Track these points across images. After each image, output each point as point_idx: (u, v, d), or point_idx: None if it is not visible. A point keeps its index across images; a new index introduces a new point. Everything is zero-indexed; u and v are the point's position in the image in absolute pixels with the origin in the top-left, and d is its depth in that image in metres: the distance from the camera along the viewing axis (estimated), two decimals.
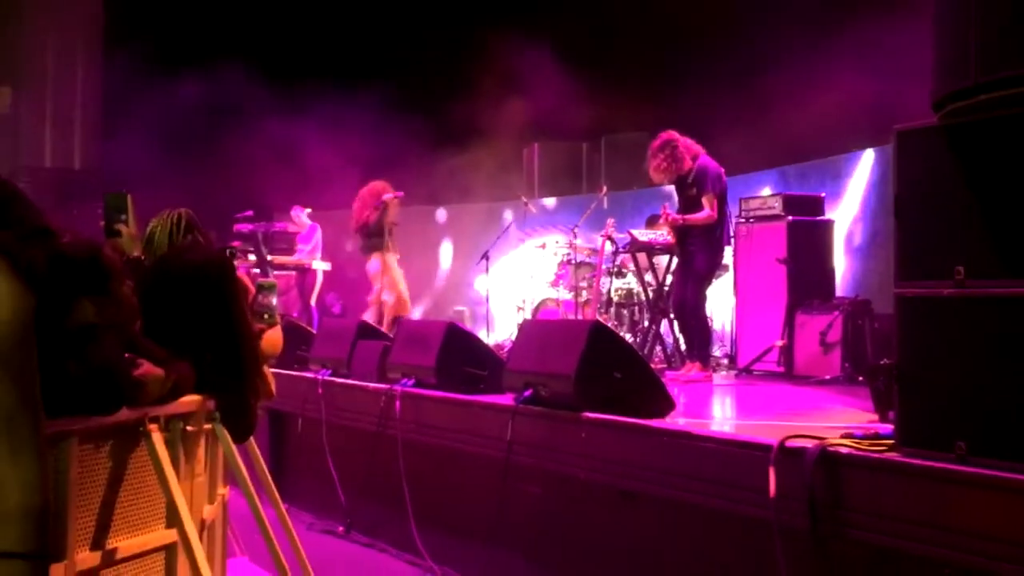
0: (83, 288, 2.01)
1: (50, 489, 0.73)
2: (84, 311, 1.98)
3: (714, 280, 7.75)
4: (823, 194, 8.46)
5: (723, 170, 7.33)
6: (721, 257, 7.51)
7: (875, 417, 4.18)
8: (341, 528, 6.11)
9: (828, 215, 8.35)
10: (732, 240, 7.85)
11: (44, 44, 14.01)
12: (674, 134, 7.34)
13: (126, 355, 2.30)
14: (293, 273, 11.75)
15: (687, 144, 7.32)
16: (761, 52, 10.27)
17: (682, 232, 7.34)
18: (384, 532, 5.85)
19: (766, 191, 9.93)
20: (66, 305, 1.92)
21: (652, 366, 5.47)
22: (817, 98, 9.06)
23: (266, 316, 3.50)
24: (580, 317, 9.11)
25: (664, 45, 11.35)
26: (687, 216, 7.25)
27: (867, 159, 9.62)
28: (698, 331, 7.29)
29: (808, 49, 9.45)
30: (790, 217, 7.78)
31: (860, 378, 6.51)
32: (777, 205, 7.92)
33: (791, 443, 3.33)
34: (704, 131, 7.70)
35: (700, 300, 7.27)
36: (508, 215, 12.72)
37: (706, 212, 7.15)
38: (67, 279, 1.87)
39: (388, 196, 9.49)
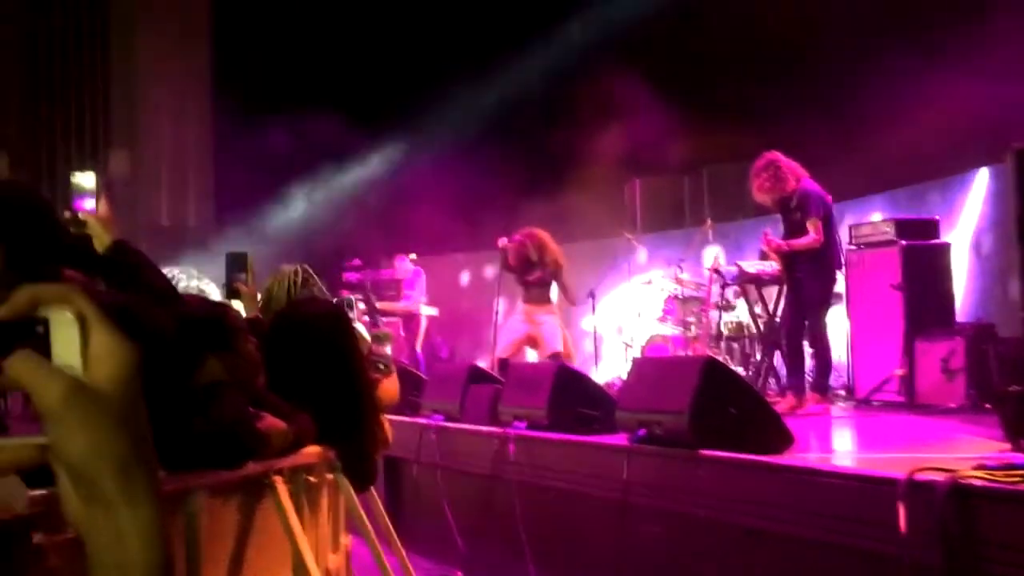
0: (209, 346, 2.07)
1: (168, 542, 0.75)
2: (210, 368, 2.04)
3: (831, 307, 7.44)
4: (937, 217, 8.22)
5: (827, 194, 7.14)
6: (833, 282, 7.23)
7: (1007, 446, 4.02)
8: (459, 573, 6.12)
9: (943, 238, 8.10)
10: (844, 266, 7.56)
11: (158, 106, 14.60)
12: (777, 154, 7.20)
13: (251, 409, 2.35)
14: (398, 320, 11.91)
15: (790, 166, 7.15)
16: (863, 73, 10.10)
17: (789, 259, 7.17)
18: (503, 574, 5.83)
19: (876, 216, 9.70)
20: (193, 363, 1.99)
21: (767, 400, 5.36)
22: (924, 117, 8.82)
23: (382, 366, 3.55)
24: (690, 353, 9.00)
25: (763, 71, 11.23)
26: (791, 241, 7.09)
27: (981, 179, 9.32)
28: (818, 360, 7.10)
29: (912, 66, 9.24)
30: (903, 242, 7.57)
31: (987, 406, 6.27)
32: (890, 230, 7.72)
33: (920, 476, 3.23)
34: (808, 156, 7.55)
35: (819, 328, 7.06)
36: (612, 252, 12.68)
37: (811, 236, 6.95)
38: (194, 338, 1.93)
39: (502, 242, 9.33)
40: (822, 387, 7.02)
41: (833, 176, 8.89)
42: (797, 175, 7.12)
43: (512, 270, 9.07)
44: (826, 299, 7.19)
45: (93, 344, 0.73)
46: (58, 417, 0.71)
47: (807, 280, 7.03)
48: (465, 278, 14.95)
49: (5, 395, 0.73)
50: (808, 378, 7.23)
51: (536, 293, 8.89)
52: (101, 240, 2.49)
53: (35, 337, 0.72)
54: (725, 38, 11.59)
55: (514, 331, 8.93)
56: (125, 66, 14.48)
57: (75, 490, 0.72)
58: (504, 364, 8.70)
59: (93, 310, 0.73)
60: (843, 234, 8.30)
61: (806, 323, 7.12)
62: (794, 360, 7.20)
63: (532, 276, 8.83)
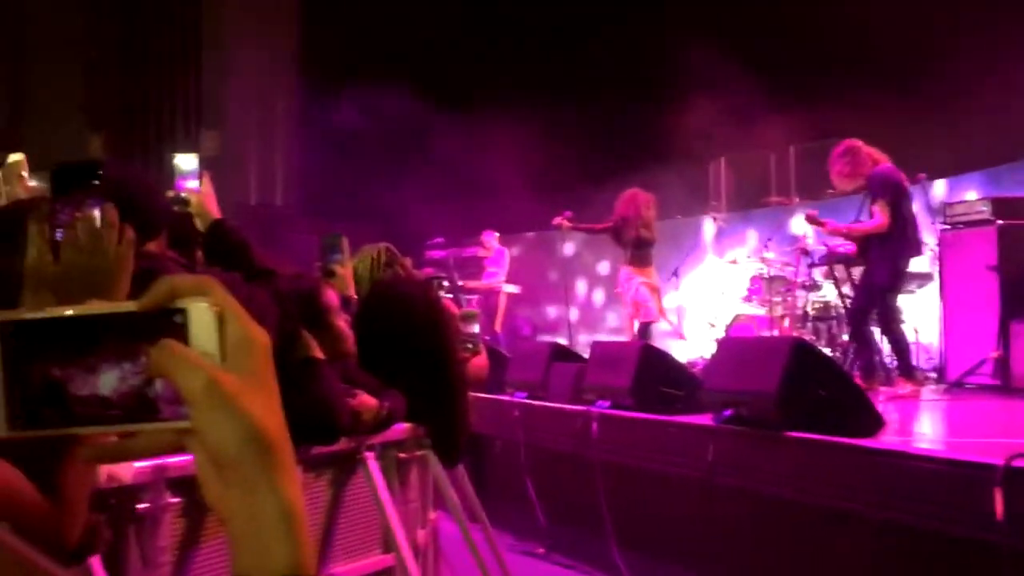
0: (303, 322, 2.11)
1: (305, 525, 0.77)
2: (305, 345, 2.08)
3: (900, 292, 7.29)
4: None
5: (902, 177, 6.98)
6: (903, 266, 7.04)
7: None
8: (542, 550, 6.15)
9: None
10: (923, 248, 7.34)
11: (247, 85, 14.85)
12: (857, 142, 7.13)
13: (343, 386, 2.39)
14: (476, 297, 11.97)
15: (869, 151, 7.07)
16: (957, 48, 9.80)
17: (863, 243, 7.11)
18: (585, 553, 5.85)
19: (971, 194, 9.44)
20: (289, 340, 2.03)
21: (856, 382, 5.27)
22: (1019, 91, 8.55)
23: (470, 345, 3.58)
24: (775, 332, 8.88)
25: (855, 47, 10.97)
26: (852, 225, 7.09)
27: None
28: (894, 345, 6.99)
29: (1009, 39, 8.95)
30: (1000, 221, 7.35)
31: None
32: (986, 209, 7.50)
33: (1018, 462, 3.14)
34: (900, 135, 7.39)
35: (887, 313, 6.96)
36: (700, 230, 12.56)
37: (875, 220, 6.87)
38: (289, 315, 1.97)
39: (556, 220, 9.50)
40: (907, 370, 6.87)
41: (926, 154, 8.68)
42: (875, 159, 7.02)
43: (622, 227, 9.20)
44: (894, 284, 7.02)
45: (230, 334, 0.75)
46: (201, 404, 0.73)
47: (876, 264, 6.96)
48: (544, 256, 14.95)
49: (151, 382, 0.76)
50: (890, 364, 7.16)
51: (648, 255, 9.15)
52: (203, 219, 2.55)
53: (174, 327, 0.75)
54: (818, 12, 11.34)
55: (647, 293, 9.14)
56: (215, 49, 14.75)
57: (216, 475, 0.75)
58: (646, 329, 8.85)
59: (229, 301, 0.76)
60: (932, 215, 8.11)
61: (874, 307, 7.02)
62: (858, 342, 7.15)
63: (649, 234, 9.00)
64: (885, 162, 7.02)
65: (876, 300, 7.00)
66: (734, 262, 10.27)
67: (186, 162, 2.72)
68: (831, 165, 7.20)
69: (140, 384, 0.75)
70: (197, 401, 0.73)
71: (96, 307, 0.76)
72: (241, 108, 14.81)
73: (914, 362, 7.29)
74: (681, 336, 10.34)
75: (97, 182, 1.89)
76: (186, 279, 0.76)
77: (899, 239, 6.85)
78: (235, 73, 14.78)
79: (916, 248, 7.08)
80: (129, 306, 0.75)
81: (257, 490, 0.74)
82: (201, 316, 0.75)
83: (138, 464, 1.74)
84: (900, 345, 6.96)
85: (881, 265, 6.93)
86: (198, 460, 0.76)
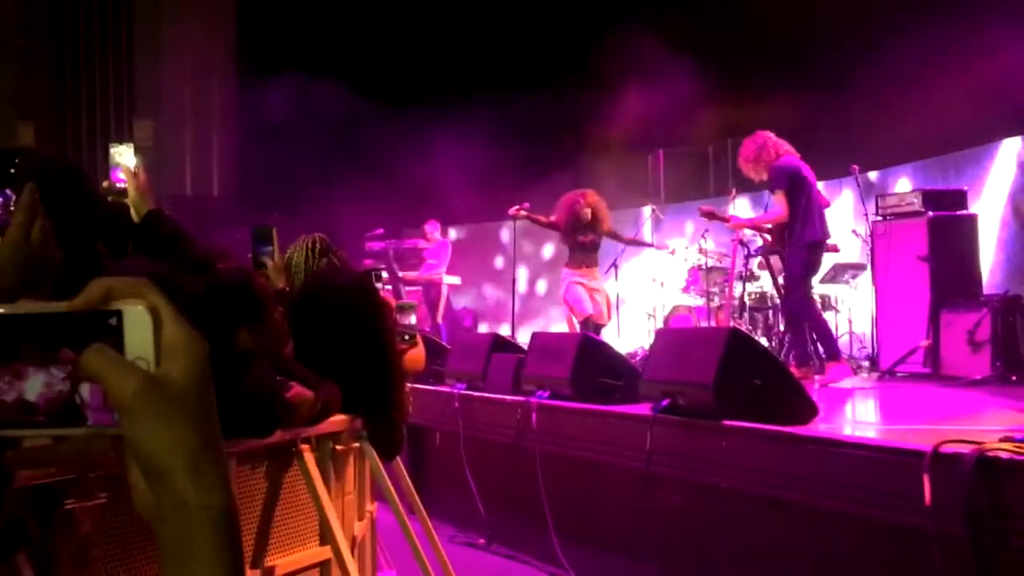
0: (239, 316, 2.09)
1: (239, 534, 0.76)
2: (240, 338, 2.05)
3: (812, 278, 7.50)
4: (965, 187, 8.14)
5: (801, 168, 7.18)
6: (811, 254, 7.20)
7: None
8: (482, 540, 6.16)
9: (971, 209, 8.03)
10: (826, 234, 7.34)
11: (182, 75, 14.61)
12: (766, 133, 7.37)
13: (278, 378, 2.37)
14: (419, 288, 11.94)
15: (776, 144, 7.29)
16: (891, 43, 9.96)
17: (777, 235, 7.37)
18: (525, 544, 5.87)
19: (903, 186, 9.63)
20: (225, 333, 2.00)
21: (791, 371, 5.35)
22: (953, 87, 8.73)
23: (407, 337, 3.56)
24: (713, 323, 8.98)
25: (792, 41, 11.11)
26: (753, 218, 7.40)
27: (1010, 148, 9.22)
28: (815, 330, 7.17)
29: (940, 35, 9.13)
30: (931, 212, 7.51)
31: (1014, 377, 6.24)
32: (916, 201, 7.66)
33: (946, 448, 3.21)
34: (835, 128, 7.53)
35: (802, 301, 7.16)
36: (639, 221, 12.65)
37: (772, 211, 7.20)
38: (225, 308, 1.94)
39: (512, 210, 9.36)
40: (833, 353, 7.07)
41: (860, 147, 8.83)
42: (779, 152, 7.23)
43: (560, 229, 9.06)
44: (805, 273, 7.23)
45: (166, 338, 0.73)
46: (132, 411, 0.71)
47: (789, 253, 7.22)
48: (484, 248, 14.96)
49: (78, 387, 0.73)
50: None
51: (589, 256, 8.96)
52: (138, 210, 2.51)
53: (108, 330, 0.72)
54: (755, 7, 11.46)
55: (581, 292, 8.94)
56: (149, 37, 14.49)
57: (147, 483, 0.73)
58: (587, 323, 8.77)
59: (165, 304, 0.74)
60: (868, 205, 8.25)
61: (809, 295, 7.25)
62: (792, 332, 7.37)
63: (586, 237, 8.88)
64: (788, 154, 7.23)
65: (790, 288, 7.23)
66: (672, 253, 10.35)
67: (121, 152, 2.66)
68: (740, 152, 7.48)
69: (67, 390, 0.73)
70: (128, 408, 0.71)
71: (25, 307, 0.74)
72: (176, 98, 14.57)
73: (844, 350, 7.47)
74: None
75: (13, 171, 1.85)
76: (122, 281, 0.74)
77: (801, 228, 7.07)
78: (169, 62, 14.54)
79: (819, 233, 7.16)
80: (60, 307, 0.73)
81: (188, 501, 0.72)
82: (136, 319, 0.72)
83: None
84: (820, 330, 7.16)
85: (792, 254, 7.18)
86: (129, 467, 0.74)
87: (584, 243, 8.87)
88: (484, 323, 14.10)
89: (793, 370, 6.97)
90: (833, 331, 7.44)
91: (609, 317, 8.95)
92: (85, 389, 0.72)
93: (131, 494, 0.74)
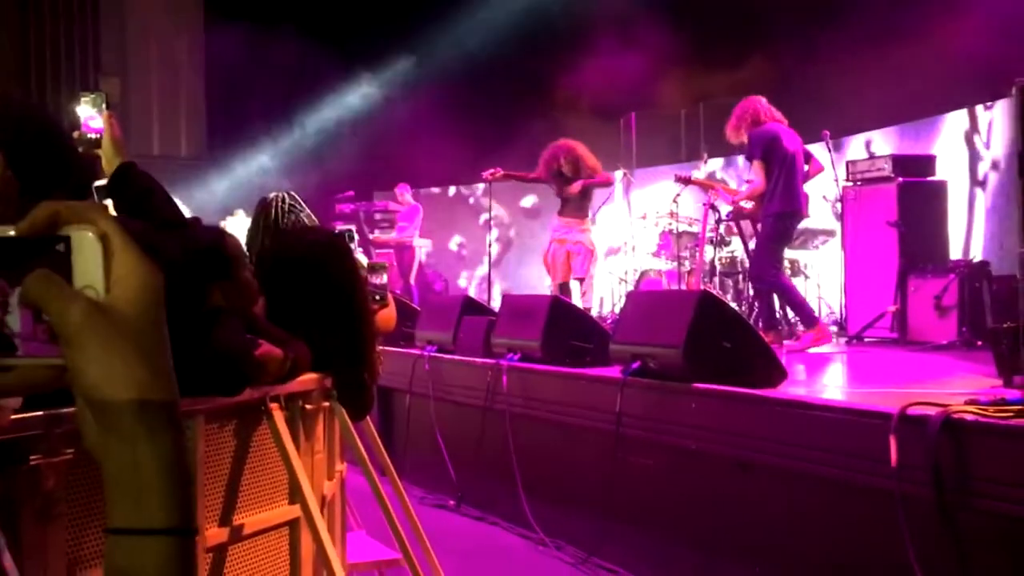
0: (210, 274, 2.06)
1: (187, 470, 0.73)
2: (212, 296, 2.02)
3: (783, 247, 7.43)
4: (935, 154, 8.18)
5: (779, 132, 7.07)
6: (784, 223, 7.16)
7: (999, 382, 4.04)
8: (452, 502, 6.18)
9: (942, 175, 8.08)
10: (804, 205, 7.28)
11: (148, 32, 14.39)
12: (753, 99, 7.29)
13: (248, 336, 2.34)
14: (391, 251, 11.90)
15: (759, 111, 7.20)
16: (864, 7, 9.97)
17: (758, 203, 7.32)
18: (495, 506, 5.90)
19: (875, 150, 9.66)
20: (197, 291, 1.97)
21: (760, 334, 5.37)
22: (926, 52, 8.75)
23: (378, 297, 3.54)
24: (683, 287, 9.01)
25: (763, 6, 11.08)
26: (738, 194, 7.43)
27: (982, 115, 9.26)
28: (785, 300, 7.18)
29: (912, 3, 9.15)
30: (900, 179, 7.55)
31: (979, 342, 6.32)
32: (887, 166, 7.70)
33: (912, 411, 3.25)
34: (809, 93, 7.52)
35: (767, 268, 7.14)
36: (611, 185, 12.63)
37: (752, 183, 7.16)
38: (197, 265, 1.91)
39: (486, 174, 9.22)
40: (810, 321, 7.01)
41: (833, 112, 8.84)
42: (759, 120, 7.15)
43: (547, 183, 8.90)
44: (770, 242, 7.17)
45: (116, 265, 0.70)
46: (76, 340, 0.68)
47: (763, 220, 7.18)
48: (457, 210, 14.91)
49: (4, 316, 0.70)
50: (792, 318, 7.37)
51: (574, 206, 8.73)
52: (110, 163, 2.45)
53: (55, 256, 0.69)
54: None
55: (557, 253, 8.77)
56: None
57: (92, 415, 0.70)
58: (563, 288, 8.66)
59: (117, 230, 0.70)
60: (840, 171, 8.27)
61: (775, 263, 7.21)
62: (758, 298, 7.37)
63: (570, 188, 8.67)
64: (771, 122, 7.14)
65: (761, 255, 7.22)
66: (643, 217, 10.36)
67: (95, 101, 2.58)
68: (728, 121, 7.43)
69: (3, 317, 0.70)
70: (71, 336, 0.68)
71: None
72: (142, 55, 14.35)
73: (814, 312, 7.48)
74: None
75: None
76: (71, 205, 0.70)
77: (770, 197, 7.01)
78: (135, 18, 14.30)
79: (795, 204, 7.08)
80: (5, 230, 0.70)
81: (134, 435, 0.69)
82: (84, 245, 0.69)
83: (28, 415, 1.67)
84: (792, 299, 7.13)
85: (763, 222, 7.16)
86: (76, 400, 0.71)
87: (571, 194, 8.68)
88: (458, 288, 14.07)
89: (769, 336, 7.03)
90: (804, 297, 7.40)
91: (585, 271, 8.69)
92: (14, 319, 0.70)
93: (79, 427, 0.71)
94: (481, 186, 13.07)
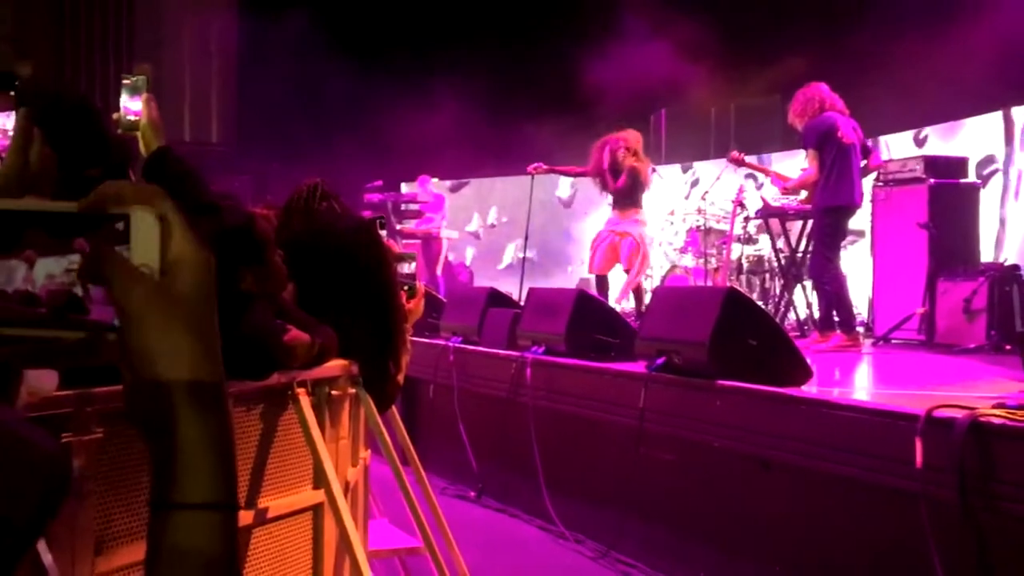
0: (241, 258, 2.07)
1: (234, 452, 0.75)
2: (242, 280, 2.04)
3: (836, 242, 7.16)
4: (967, 156, 8.11)
5: (838, 122, 6.86)
6: (834, 218, 6.95)
7: None
8: (473, 493, 6.20)
9: (976, 177, 8.01)
10: (857, 199, 7.06)
11: (182, 18, 14.47)
12: (819, 85, 7.10)
13: (276, 321, 2.36)
14: (418, 242, 11.92)
15: (823, 99, 7.01)
16: (899, 8, 9.89)
17: (811, 195, 7.18)
18: (515, 497, 5.91)
19: (908, 151, 9.59)
20: (228, 275, 1.99)
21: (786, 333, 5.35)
22: (962, 53, 8.66)
23: (407, 287, 3.55)
24: (710, 284, 8.98)
25: (800, 4, 11.02)
26: (792, 181, 7.29)
27: (1018, 116, 9.17)
28: (825, 298, 7.04)
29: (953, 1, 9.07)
30: (932, 180, 7.48)
31: (1008, 346, 6.26)
32: (919, 167, 7.63)
33: (939, 413, 3.23)
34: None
35: (824, 264, 6.95)
36: None
37: (806, 172, 7.03)
38: (229, 250, 1.93)
39: (530, 168, 9.09)
40: (845, 324, 6.89)
41: (865, 111, 8.75)
42: (822, 108, 6.98)
43: (595, 176, 8.73)
44: (823, 237, 6.99)
45: (173, 248, 0.72)
46: (137, 318, 0.70)
47: (815, 215, 7.06)
48: (488, 204, 14.93)
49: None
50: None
51: (623, 200, 8.58)
52: (148, 142, 2.47)
53: (115, 234, 0.71)
54: None
55: (602, 242, 8.63)
56: None
57: (143, 392, 0.72)
58: (601, 281, 8.61)
59: (175, 214, 0.73)
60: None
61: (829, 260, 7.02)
62: (821, 299, 7.16)
63: (619, 182, 8.50)
64: (831, 112, 6.96)
65: (814, 250, 7.11)
66: (672, 214, 10.34)
67: (137, 83, 2.59)
68: (791, 103, 7.26)
69: (70, 282, 0.72)
70: (133, 314, 0.70)
71: (32, 204, 0.73)
72: (175, 42, 14.43)
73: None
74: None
75: (12, 92, 1.82)
76: (134, 186, 0.73)
77: (821, 190, 6.86)
78: (169, 5, 14.39)
79: (846, 197, 6.89)
80: (69, 206, 0.72)
81: (187, 417, 0.71)
82: (144, 225, 0.71)
83: (59, 393, 1.70)
84: (840, 299, 6.93)
85: (815, 216, 7.06)
86: (125, 380, 0.73)
87: (619, 188, 8.55)
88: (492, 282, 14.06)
89: (816, 335, 6.95)
90: (850, 303, 7.16)
91: (630, 264, 8.43)
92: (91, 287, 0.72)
93: (126, 400, 0.73)
94: (514, 178, 13.06)
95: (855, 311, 8.89)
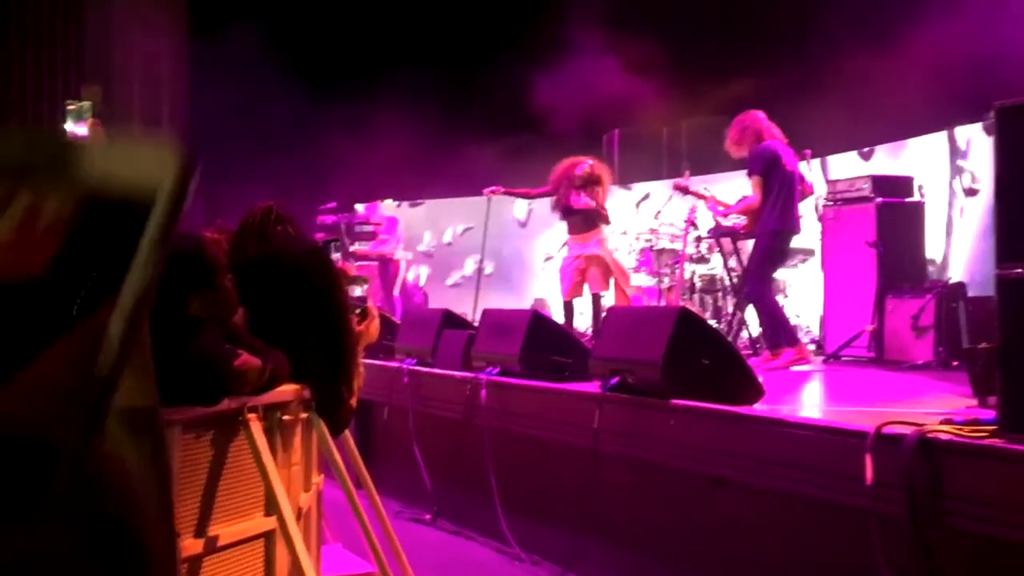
0: (189, 283, 2.06)
1: (169, 474, 0.74)
2: (191, 305, 2.02)
3: (776, 266, 7.43)
4: (913, 175, 8.25)
5: (780, 153, 7.05)
6: (776, 241, 7.11)
7: (974, 402, 4.08)
8: (428, 516, 6.16)
9: (923, 196, 8.16)
10: (798, 225, 7.23)
11: (131, 41, 14.34)
12: (756, 114, 7.25)
13: (227, 346, 2.34)
14: (375, 264, 11.88)
15: (760, 128, 7.18)
16: (845, 29, 10.06)
17: (752, 220, 7.33)
18: (471, 520, 5.89)
19: (855, 171, 9.73)
20: (176, 300, 1.97)
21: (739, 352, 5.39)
22: (908, 73, 8.84)
23: (359, 310, 3.54)
24: (663, 304, 9.04)
25: (750, 23, 11.17)
26: (732, 206, 7.42)
27: (963, 136, 9.35)
28: (768, 316, 7.15)
29: (895, 21, 9.23)
30: (879, 199, 7.60)
31: (955, 363, 6.36)
32: (866, 187, 7.75)
33: (888, 429, 3.27)
34: (790, 113, 7.56)
35: (766, 284, 7.12)
36: None
37: (750, 197, 7.16)
38: (178, 274, 1.91)
39: (487, 190, 9.16)
40: (791, 338, 7.02)
41: (813, 131, 8.89)
42: (761, 137, 7.15)
43: (558, 191, 8.70)
44: (764, 259, 7.12)
45: None
46: None
47: (755, 239, 7.19)
48: (439, 225, 14.92)
49: None
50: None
51: (579, 224, 8.61)
52: None
53: None
54: None
55: (568, 268, 8.64)
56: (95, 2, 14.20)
57: None
58: (568, 307, 8.62)
59: None
60: (820, 190, 8.33)
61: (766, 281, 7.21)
62: (761, 315, 7.27)
63: (581, 201, 8.51)
64: (772, 140, 7.13)
65: (752, 273, 7.22)
66: (624, 233, 10.39)
67: (82, 107, 2.58)
68: (728, 130, 7.39)
69: None
70: None
71: None
72: (125, 62, 14.29)
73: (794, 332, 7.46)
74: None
75: None
76: None
77: (768, 214, 7.00)
78: (119, 26, 14.25)
79: (784, 223, 7.06)
80: None
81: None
82: None
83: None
84: (775, 318, 7.10)
85: (756, 239, 7.17)
86: None
87: (580, 209, 8.58)
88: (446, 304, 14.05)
89: (767, 355, 7.04)
90: (787, 317, 7.35)
91: (601, 285, 8.51)
92: None
93: None
94: (466, 199, 13.07)
95: (806, 328, 9.02)
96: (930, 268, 8.35)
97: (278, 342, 2.66)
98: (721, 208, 7.84)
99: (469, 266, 14.32)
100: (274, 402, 2.69)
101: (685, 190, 8.24)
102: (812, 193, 7.70)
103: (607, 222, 8.71)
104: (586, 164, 8.59)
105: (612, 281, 8.57)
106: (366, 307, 3.62)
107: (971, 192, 8.99)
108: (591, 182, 8.55)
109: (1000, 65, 7.72)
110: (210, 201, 13.56)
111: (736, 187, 8.65)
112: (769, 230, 7.03)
